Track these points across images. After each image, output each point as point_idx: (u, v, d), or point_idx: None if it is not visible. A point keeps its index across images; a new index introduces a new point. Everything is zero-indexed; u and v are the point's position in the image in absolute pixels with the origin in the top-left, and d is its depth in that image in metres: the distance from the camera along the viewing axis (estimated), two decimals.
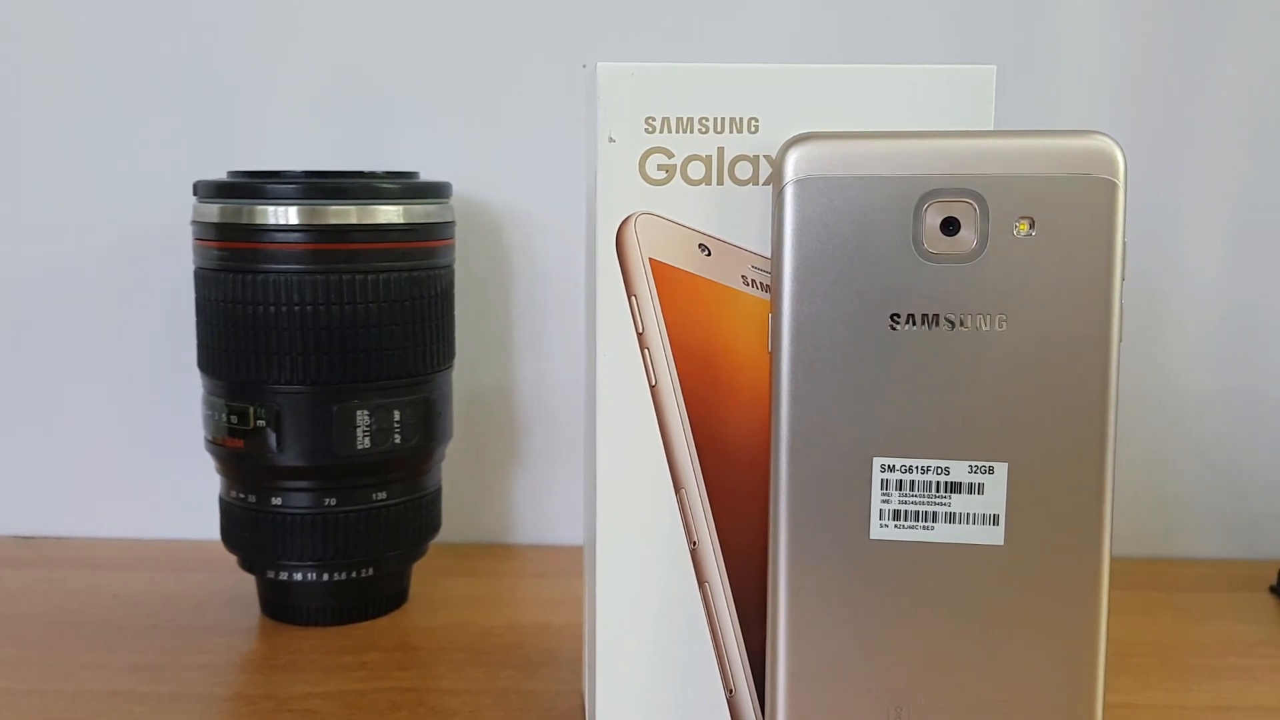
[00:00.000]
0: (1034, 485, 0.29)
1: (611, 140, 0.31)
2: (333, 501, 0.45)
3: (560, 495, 0.58)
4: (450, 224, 0.48)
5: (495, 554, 0.57)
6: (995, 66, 0.31)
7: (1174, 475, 0.58)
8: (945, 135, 0.29)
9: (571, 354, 0.56)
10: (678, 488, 0.32)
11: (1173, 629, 0.48)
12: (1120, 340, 0.29)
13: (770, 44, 0.55)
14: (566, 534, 0.57)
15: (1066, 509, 0.29)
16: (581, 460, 0.56)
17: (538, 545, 0.58)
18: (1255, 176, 0.55)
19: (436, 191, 0.47)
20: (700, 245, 0.31)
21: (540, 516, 0.58)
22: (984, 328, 0.29)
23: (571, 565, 0.54)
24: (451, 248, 0.48)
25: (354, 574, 0.46)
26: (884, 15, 0.55)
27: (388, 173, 0.46)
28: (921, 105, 0.31)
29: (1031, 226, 0.29)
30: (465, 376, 0.54)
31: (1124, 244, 0.29)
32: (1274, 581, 0.53)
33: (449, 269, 0.48)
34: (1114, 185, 0.29)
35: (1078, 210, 0.29)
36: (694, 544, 0.33)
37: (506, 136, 0.55)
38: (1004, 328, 0.29)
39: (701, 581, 0.33)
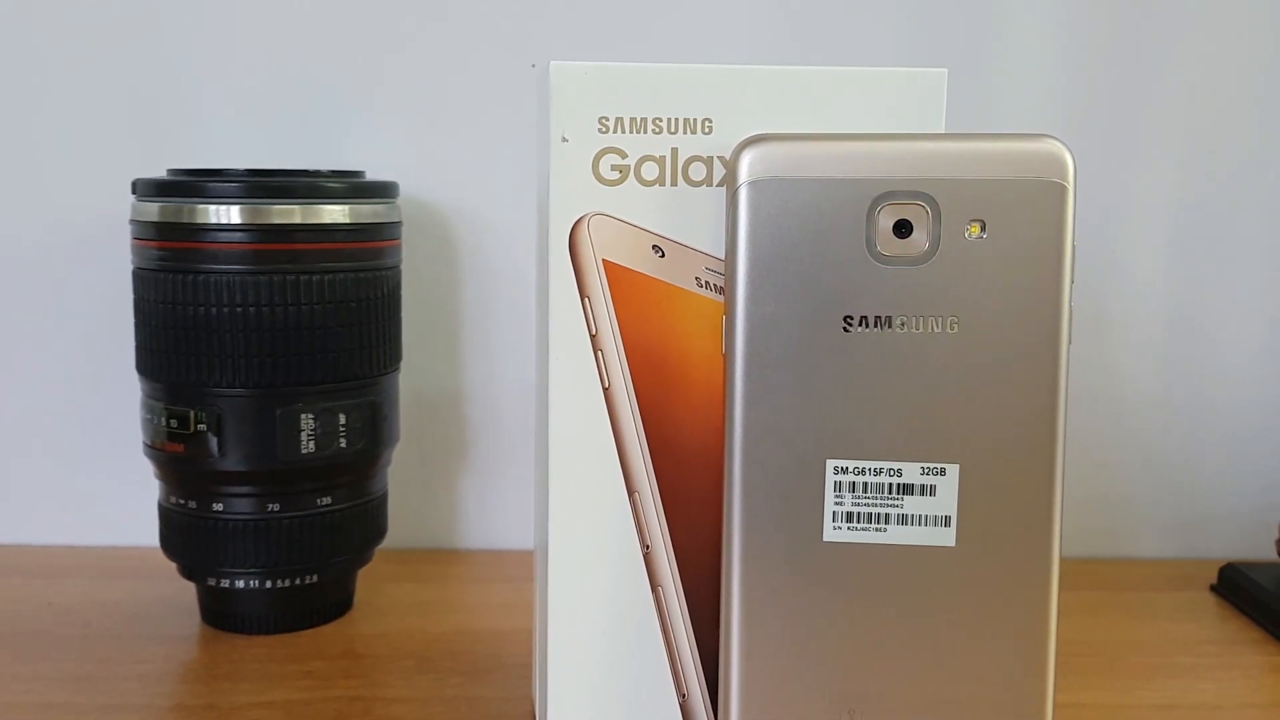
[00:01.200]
0: (985, 487, 0.29)
1: (565, 140, 0.30)
2: (276, 507, 0.44)
3: (508, 499, 0.57)
4: (397, 224, 0.47)
5: (442, 559, 0.56)
6: (946, 70, 0.32)
7: (1116, 476, 0.59)
8: (898, 138, 0.29)
9: (520, 356, 0.56)
10: (631, 491, 0.32)
11: (1117, 628, 0.49)
12: (1070, 343, 0.29)
13: (720, 45, 0.55)
14: (515, 538, 0.57)
15: (1017, 510, 0.30)
16: (531, 464, 0.56)
17: (485, 550, 0.57)
18: (1197, 181, 0.56)
19: (383, 191, 0.46)
20: (654, 246, 0.31)
21: (488, 521, 0.58)
22: (936, 330, 0.29)
23: (520, 570, 0.53)
24: (398, 248, 0.48)
25: (298, 581, 0.45)
26: (834, 18, 0.55)
27: (333, 171, 0.46)
28: (874, 107, 0.31)
29: (983, 229, 0.29)
30: (412, 379, 0.53)
31: (1073, 247, 0.29)
32: (1215, 581, 0.53)
33: (395, 270, 0.47)
34: (1064, 189, 0.29)
35: (1028, 213, 0.29)
36: (647, 547, 0.32)
37: (454, 136, 0.55)
38: (956, 330, 0.29)
39: (654, 585, 0.32)
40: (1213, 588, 0.53)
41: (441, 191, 0.55)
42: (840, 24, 0.55)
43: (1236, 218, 0.57)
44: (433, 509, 0.58)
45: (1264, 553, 0.54)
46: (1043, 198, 0.29)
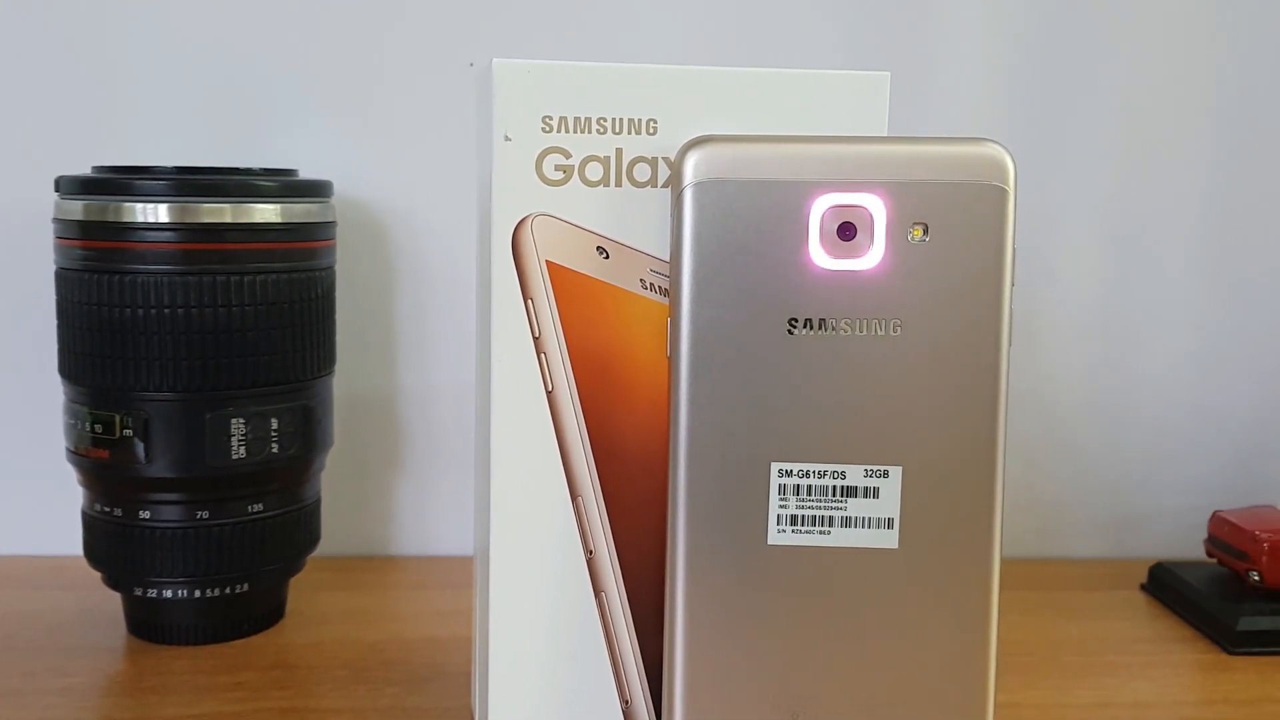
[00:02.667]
0: (927, 488, 0.30)
1: (507, 139, 0.30)
2: (205, 514, 0.43)
3: (444, 505, 0.57)
4: (331, 224, 0.47)
5: (377, 566, 0.55)
6: (889, 73, 0.32)
7: (1048, 477, 0.59)
8: (843, 140, 0.29)
9: (457, 359, 0.55)
10: (574, 495, 0.32)
11: (1051, 628, 0.49)
12: (1010, 345, 0.30)
13: (661, 45, 0.54)
14: (451, 544, 0.56)
15: (959, 511, 0.30)
16: (468, 468, 0.55)
17: (421, 556, 0.57)
18: (1125, 188, 0.57)
19: (316, 190, 0.46)
20: (598, 248, 0.31)
21: (424, 527, 0.57)
22: (879, 332, 0.29)
23: (457, 577, 0.53)
24: (332, 249, 0.47)
25: (228, 590, 0.44)
26: (766, 21, 0.55)
27: (265, 170, 0.45)
28: (817, 109, 0.31)
29: (925, 232, 0.29)
30: (346, 383, 0.52)
31: (1014, 250, 0.29)
32: (1145, 580, 0.54)
33: (329, 271, 0.46)
34: (1004, 192, 0.29)
35: (970, 216, 0.29)
36: (590, 552, 0.32)
37: (390, 134, 0.54)
38: (899, 332, 0.29)
39: (598, 591, 0.32)
40: (1143, 587, 0.54)
41: (377, 191, 0.54)
42: (782, 26, 0.55)
43: (1164, 225, 0.58)
44: (367, 515, 0.57)
45: (1193, 552, 0.55)
46: (984, 201, 0.29)
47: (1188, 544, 0.57)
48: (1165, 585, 0.52)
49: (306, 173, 0.47)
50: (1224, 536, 0.51)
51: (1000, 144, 0.29)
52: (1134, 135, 0.57)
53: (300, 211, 0.44)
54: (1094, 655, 0.46)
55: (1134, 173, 0.57)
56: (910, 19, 0.55)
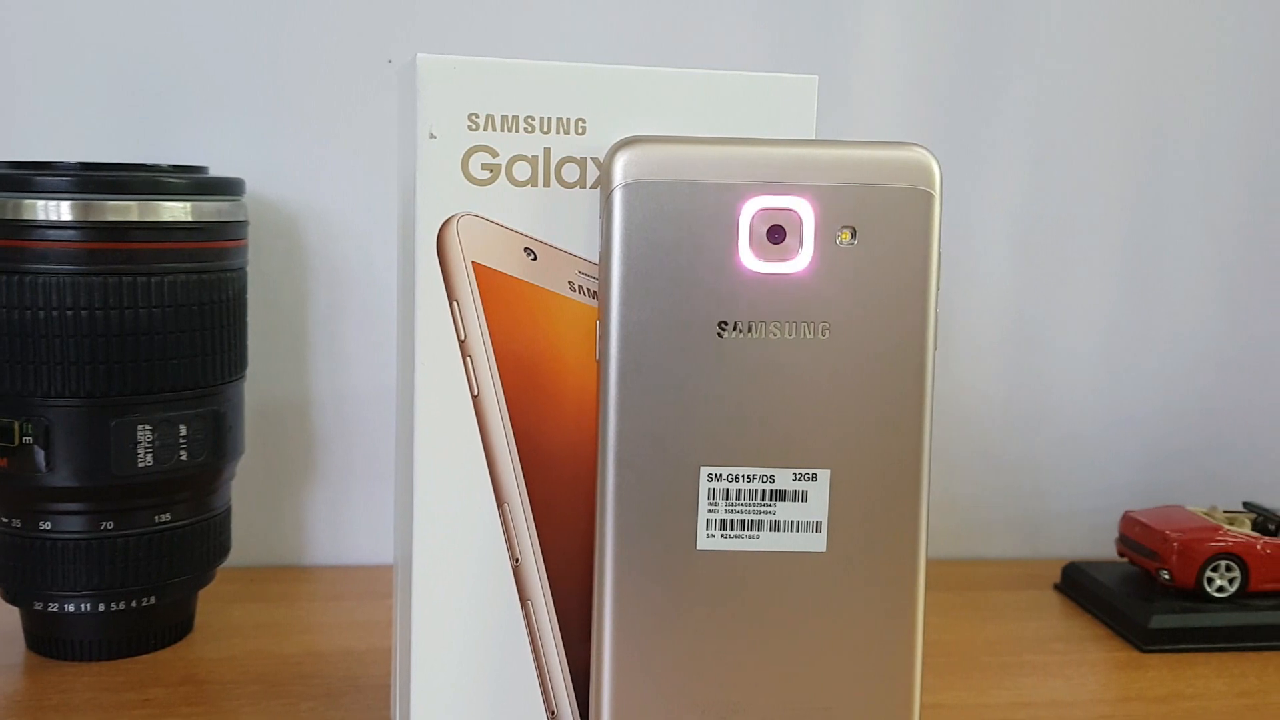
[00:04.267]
0: (854, 491, 0.30)
1: (432, 136, 0.29)
2: (110, 525, 0.42)
3: (360, 513, 0.55)
4: (242, 223, 0.45)
5: (289, 577, 0.54)
6: (817, 76, 0.32)
7: (962, 479, 0.60)
8: (773, 143, 0.29)
9: (374, 363, 0.54)
10: (500, 502, 0.31)
11: (968, 628, 0.50)
12: (935, 348, 0.30)
13: (584, 45, 0.54)
14: (367, 553, 0.55)
15: (885, 514, 0.30)
16: (385, 475, 0.54)
17: (336, 566, 0.56)
18: (1039, 194, 0.58)
19: (227, 188, 0.44)
20: (526, 249, 0.30)
21: (338, 536, 0.56)
22: (808, 335, 0.29)
23: (373, 586, 0.52)
24: (244, 249, 0.45)
25: (134, 603, 0.43)
26: (691, 22, 0.55)
27: (174, 166, 0.43)
28: (746, 111, 0.31)
29: (853, 236, 0.29)
30: (257, 388, 0.51)
31: (939, 254, 0.30)
32: (1058, 580, 0.55)
33: (241, 272, 0.45)
34: (930, 196, 0.29)
35: (896, 220, 0.29)
36: (516, 561, 0.31)
37: (304, 131, 0.53)
38: (827, 335, 0.29)
39: (524, 599, 0.32)
40: (1056, 586, 0.55)
41: (290, 189, 0.53)
42: (708, 29, 0.55)
43: (1075, 232, 0.59)
44: (279, 524, 0.55)
45: (1104, 551, 0.56)
46: (910, 205, 0.29)
47: (1100, 544, 0.58)
48: (1078, 585, 0.53)
49: (217, 170, 0.46)
50: (1135, 536, 0.52)
51: (926, 149, 0.30)
52: (1047, 144, 0.58)
53: (210, 210, 0.43)
54: (1011, 655, 0.47)
55: (1047, 181, 0.58)
56: (832, 25, 0.56)
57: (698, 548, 0.30)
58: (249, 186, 0.47)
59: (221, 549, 0.46)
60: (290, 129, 0.53)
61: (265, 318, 0.52)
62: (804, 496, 0.30)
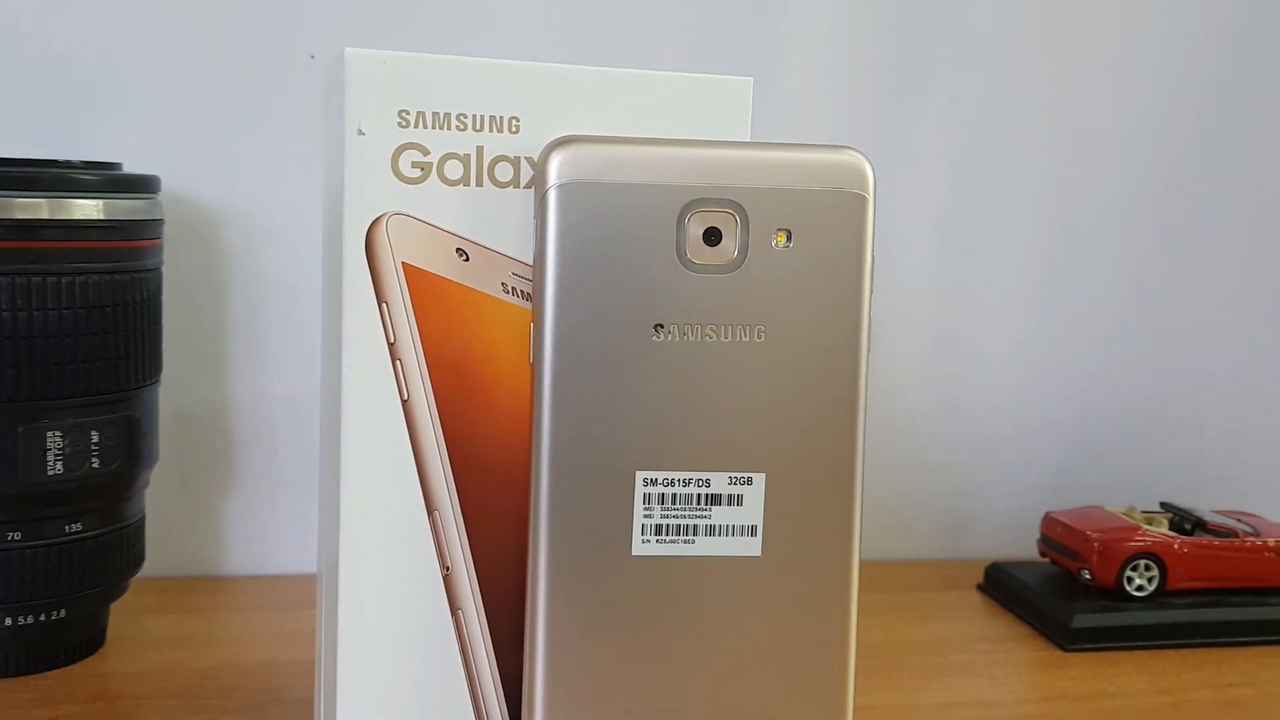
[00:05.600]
0: (789, 495, 0.30)
1: (361, 133, 0.28)
2: (17, 536, 0.40)
3: (280, 521, 0.54)
4: (158, 222, 0.44)
5: (206, 587, 0.53)
6: (752, 78, 0.32)
7: (884, 481, 0.61)
8: (709, 145, 0.29)
9: (294, 367, 0.53)
10: (430, 509, 0.30)
11: (893, 629, 0.50)
12: (869, 351, 0.30)
13: (505, 43, 0.53)
14: (288, 563, 0.54)
15: (819, 518, 0.30)
16: (306, 482, 0.53)
17: (254, 576, 0.54)
18: (959, 199, 0.59)
19: (142, 185, 0.43)
20: (458, 250, 0.30)
21: (257, 545, 0.55)
22: (744, 339, 0.29)
23: (294, 596, 0.51)
24: (159, 248, 0.44)
25: (42, 616, 0.41)
26: (616, 23, 0.55)
27: (86, 163, 0.42)
28: (681, 112, 0.31)
29: (789, 239, 0.29)
30: (173, 393, 0.50)
31: (873, 257, 0.30)
32: (981, 580, 0.56)
33: (156, 272, 0.44)
34: (864, 200, 0.30)
35: (831, 223, 0.29)
36: (447, 569, 0.31)
37: (222, 127, 0.52)
38: (762, 338, 0.29)
39: (454, 608, 0.31)
40: (979, 587, 0.56)
41: (207, 187, 0.52)
42: (637, 29, 0.55)
43: (995, 237, 0.60)
44: (196, 533, 0.54)
45: (1026, 552, 0.57)
46: (845, 208, 0.29)
47: (1021, 544, 0.59)
48: (1001, 585, 0.54)
49: (131, 166, 0.44)
50: (1056, 537, 0.53)
51: (860, 152, 0.30)
52: (967, 150, 0.59)
53: (124, 208, 0.42)
54: (937, 655, 0.48)
55: (967, 186, 0.59)
56: (758, 28, 0.56)
57: (633, 553, 0.29)
58: (165, 184, 0.46)
59: (135, 559, 0.45)
60: (208, 125, 0.51)
61: (181, 320, 0.51)
62: (739, 500, 0.30)
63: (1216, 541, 0.51)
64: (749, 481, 0.30)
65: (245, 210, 0.52)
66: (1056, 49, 0.59)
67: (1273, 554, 0.51)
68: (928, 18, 0.57)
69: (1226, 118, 0.62)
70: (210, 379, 0.53)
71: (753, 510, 0.30)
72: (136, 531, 0.45)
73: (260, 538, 0.55)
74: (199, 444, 0.53)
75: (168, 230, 0.46)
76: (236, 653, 0.45)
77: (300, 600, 0.50)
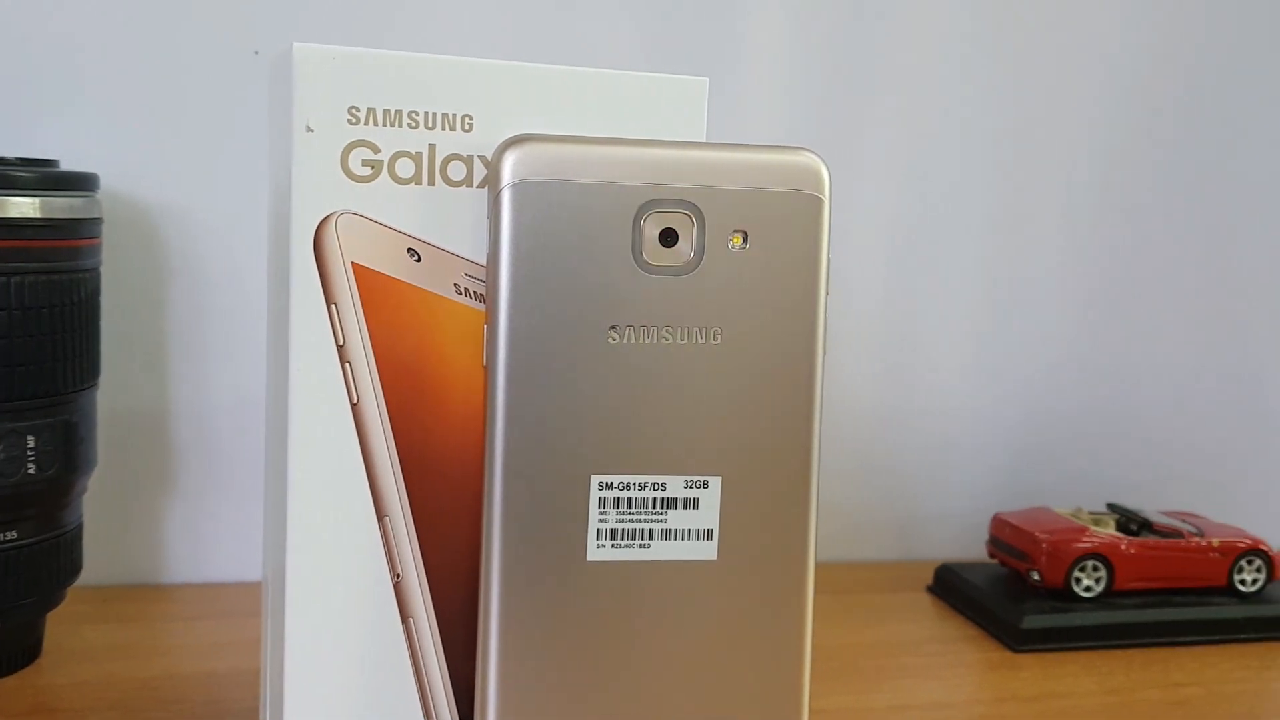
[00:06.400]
0: (745, 498, 0.30)
1: (309, 130, 0.28)
2: None
3: (221, 528, 0.53)
4: (96, 221, 0.43)
5: (146, 596, 0.52)
6: (708, 79, 0.31)
7: (834, 482, 0.60)
8: (664, 145, 0.29)
9: (237, 370, 0.52)
10: (380, 516, 0.30)
11: (844, 632, 0.50)
12: (825, 352, 0.30)
13: (457, 40, 0.53)
14: (230, 570, 0.53)
15: (775, 521, 0.30)
16: (249, 488, 0.52)
17: (196, 584, 0.53)
18: (909, 201, 0.60)
19: (80, 183, 0.42)
20: (409, 250, 0.29)
21: (198, 552, 0.54)
22: (700, 340, 0.29)
23: (237, 604, 0.50)
24: (97, 248, 0.43)
25: None
26: (567, 23, 0.54)
27: (21, 159, 0.41)
28: (636, 112, 0.31)
29: (745, 240, 0.29)
30: (111, 396, 0.49)
31: (829, 259, 0.30)
32: (931, 582, 0.56)
33: (94, 273, 0.43)
34: (820, 201, 0.30)
35: (787, 225, 0.29)
36: (398, 577, 0.30)
37: (162, 124, 0.51)
38: (718, 340, 0.29)
39: (405, 617, 0.30)
40: (929, 588, 0.56)
41: (147, 185, 0.51)
42: (586, 29, 0.54)
43: (944, 238, 0.60)
44: (135, 540, 0.53)
45: (975, 553, 0.58)
46: (801, 210, 0.29)
47: (970, 545, 0.60)
48: (950, 587, 0.54)
49: (69, 164, 0.43)
50: (1005, 538, 0.53)
51: (817, 153, 0.30)
52: (920, 153, 0.59)
53: (62, 206, 0.41)
54: (888, 657, 0.48)
55: (918, 189, 0.60)
56: (711, 28, 0.56)
57: (588, 558, 0.29)
58: (103, 182, 0.45)
59: (72, 568, 0.44)
60: (148, 121, 0.50)
61: (120, 322, 0.50)
62: (695, 504, 0.29)
63: (1162, 542, 0.52)
64: (705, 485, 0.29)
65: (186, 209, 0.51)
66: (1009, 54, 0.60)
67: (1217, 554, 0.52)
68: (881, 21, 0.58)
69: (1173, 125, 0.63)
70: (150, 382, 0.52)
71: (709, 514, 0.29)
72: (74, 539, 0.44)
73: (202, 544, 0.54)
74: (138, 449, 0.52)
75: (106, 229, 0.45)
76: (177, 663, 0.44)
77: (243, 608, 0.49)
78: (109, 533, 0.51)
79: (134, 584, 0.53)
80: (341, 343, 0.29)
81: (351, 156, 0.28)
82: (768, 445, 0.29)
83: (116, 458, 0.51)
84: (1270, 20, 0.63)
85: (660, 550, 0.29)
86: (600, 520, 0.29)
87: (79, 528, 0.44)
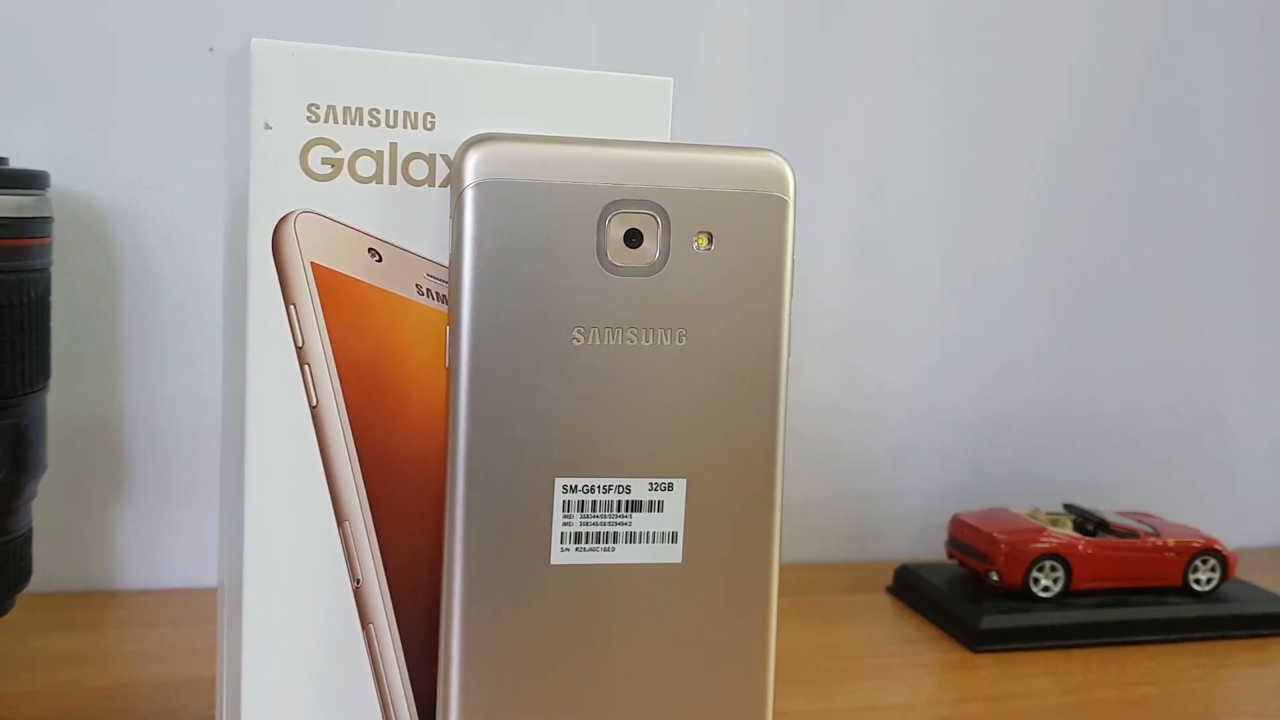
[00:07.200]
0: (710, 500, 0.29)
1: (268, 127, 0.27)
2: None
3: (175, 533, 0.53)
4: (46, 220, 0.42)
5: (98, 603, 0.51)
6: (672, 79, 0.31)
7: (794, 482, 0.61)
8: (629, 145, 0.29)
9: (192, 372, 0.52)
10: (340, 520, 0.29)
11: (805, 634, 0.50)
12: (790, 354, 0.30)
13: (417, 38, 0.52)
14: (184, 576, 0.52)
15: (740, 523, 0.30)
16: (203, 492, 0.52)
17: (149, 590, 0.53)
18: (872, 202, 0.60)
19: (30, 181, 0.41)
20: (370, 250, 0.29)
21: (151, 557, 0.53)
22: (664, 342, 0.29)
23: (191, 611, 0.49)
24: (48, 248, 0.42)
25: None
26: (516, 21, 0.54)
27: None
28: (601, 112, 0.30)
29: (710, 241, 0.29)
30: (62, 399, 0.48)
31: (794, 260, 0.30)
32: (890, 583, 0.56)
33: (44, 273, 0.42)
34: (784, 202, 0.29)
35: (752, 226, 0.29)
36: (358, 582, 0.30)
37: (114, 121, 0.50)
38: (683, 342, 0.29)
39: (365, 623, 0.30)
40: (889, 589, 0.56)
41: (99, 184, 0.50)
42: (547, 28, 0.54)
43: (905, 239, 0.61)
44: (86, 546, 0.52)
45: (935, 554, 0.58)
46: (765, 211, 0.29)
47: (928, 546, 0.60)
48: (910, 587, 0.55)
49: (18, 162, 0.42)
50: (964, 539, 0.54)
51: (780, 154, 0.30)
52: (880, 156, 0.59)
53: (10, 205, 0.40)
54: (850, 659, 0.48)
55: (880, 190, 0.60)
56: (671, 29, 0.56)
57: (551, 562, 0.29)
58: (54, 180, 0.44)
59: (21, 574, 0.43)
60: (99, 118, 0.50)
61: (71, 322, 0.49)
62: (660, 506, 0.29)
63: (1119, 542, 0.52)
64: (670, 487, 0.29)
65: (138, 208, 0.51)
66: (972, 57, 0.60)
67: (1172, 554, 0.52)
68: (845, 23, 0.58)
69: (1132, 131, 0.63)
70: (101, 384, 0.51)
71: (673, 516, 0.29)
72: (23, 545, 0.43)
73: (155, 550, 0.53)
74: (89, 452, 0.51)
75: (57, 228, 0.44)
76: (131, 671, 0.44)
77: (198, 615, 0.49)
78: (59, 538, 0.50)
79: (86, 590, 0.52)
80: (300, 344, 0.28)
81: (311, 154, 0.28)
82: (733, 447, 0.29)
83: (67, 461, 0.50)
84: (1227, 28, 0.64)
85: (625, 553, 0.29)
86: (564, 524, 0.29)
87: (28, 533, 0.43)
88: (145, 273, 0.51)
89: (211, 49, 0.49)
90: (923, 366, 0.62)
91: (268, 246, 0.28)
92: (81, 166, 0.49)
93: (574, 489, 0.28)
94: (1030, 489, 0.63)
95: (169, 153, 0.50)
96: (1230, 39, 0.64)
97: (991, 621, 0.49)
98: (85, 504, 0.52)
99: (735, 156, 0.29)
